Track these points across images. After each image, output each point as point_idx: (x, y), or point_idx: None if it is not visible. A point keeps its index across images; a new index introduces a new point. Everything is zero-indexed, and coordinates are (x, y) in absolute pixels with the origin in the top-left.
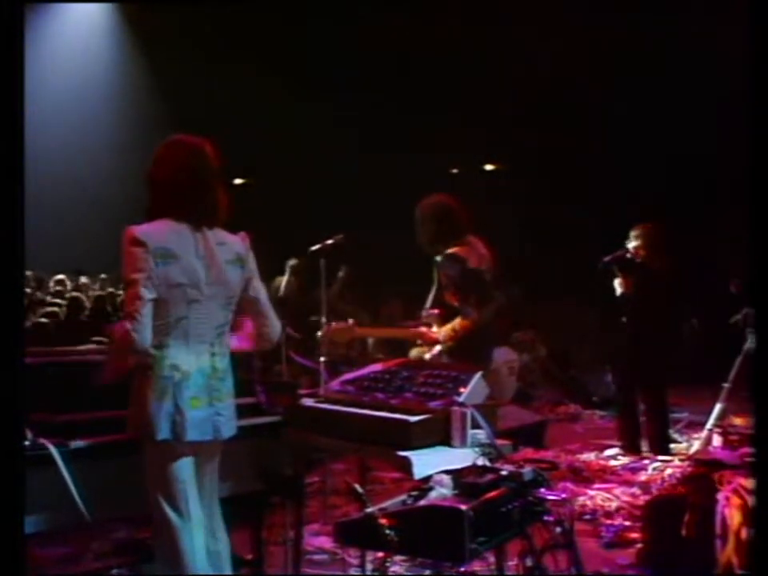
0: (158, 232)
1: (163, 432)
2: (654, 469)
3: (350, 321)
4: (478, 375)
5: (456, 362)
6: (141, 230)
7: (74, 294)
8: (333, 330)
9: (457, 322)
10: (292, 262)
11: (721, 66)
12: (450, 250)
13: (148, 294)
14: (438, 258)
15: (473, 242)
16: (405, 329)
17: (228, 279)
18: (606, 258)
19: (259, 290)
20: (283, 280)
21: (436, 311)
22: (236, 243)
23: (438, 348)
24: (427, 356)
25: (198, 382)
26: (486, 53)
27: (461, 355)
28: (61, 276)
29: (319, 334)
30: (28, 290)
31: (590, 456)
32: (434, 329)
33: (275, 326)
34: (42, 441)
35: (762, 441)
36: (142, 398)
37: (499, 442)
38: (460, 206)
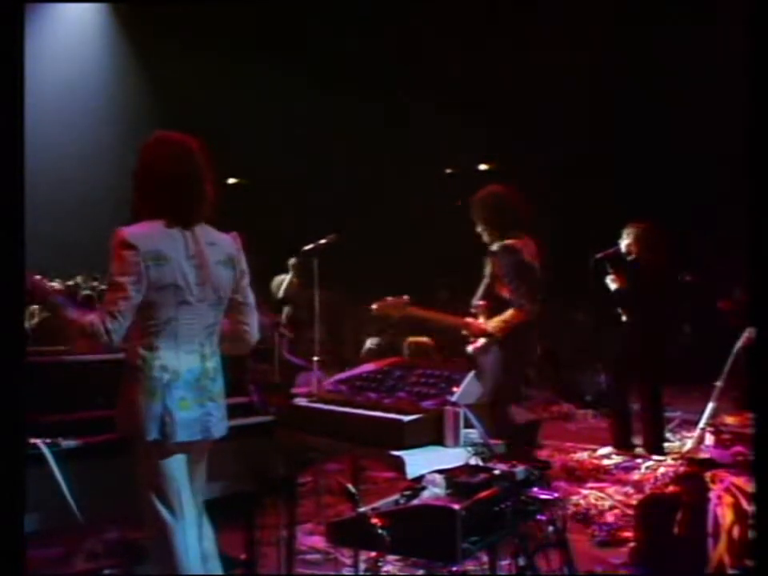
0: (148, 234)
1: (152, 433)
2: (647, 468)
3: (405, 297)
4: (471, 375)
5: (504, 355)
6: (131, 233)
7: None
8: (387, 304)
9: (509, 313)
10: (293, 260)
11: (719, 65)
12: (506, 241)
13: (133, 297)
14: (494, 248)
15: (527, 240)
16: (454, 317)
17: (218, 280)
18: (599, 255)
19: (248, 292)
20: (285, 279)
21: (483, 303)
22: (227, 243)
23: (482, 340)
24: (470, 348)
25: (187, 382)
26: (483, 53)
27: (510, 348)
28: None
29: (374, 306)
30: None
31: (583, 455)
32: (480, 320)
33: (255, 330)
34: (34, 441)
35: (761, 440)
36: (131, 398)
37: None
38: (516, 199)
